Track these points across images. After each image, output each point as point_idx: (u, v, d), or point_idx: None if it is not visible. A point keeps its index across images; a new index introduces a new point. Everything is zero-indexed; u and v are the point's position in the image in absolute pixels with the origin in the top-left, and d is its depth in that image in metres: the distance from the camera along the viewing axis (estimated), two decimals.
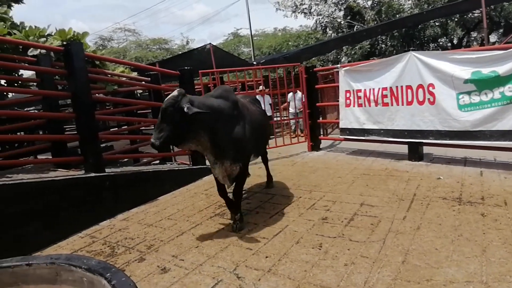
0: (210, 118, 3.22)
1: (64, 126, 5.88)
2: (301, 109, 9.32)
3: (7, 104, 5.92)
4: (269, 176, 5.15)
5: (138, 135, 7.18)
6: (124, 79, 6.28)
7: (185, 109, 3.03)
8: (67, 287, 1.56)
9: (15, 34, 5.08)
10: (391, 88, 5.73)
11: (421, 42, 21.23)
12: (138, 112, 7.82)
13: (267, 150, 5.23)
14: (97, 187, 4.45)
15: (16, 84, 5.49)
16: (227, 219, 4.00)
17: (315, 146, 7.45)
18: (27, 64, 4.97)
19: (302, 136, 8.67)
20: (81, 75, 4.53)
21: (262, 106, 9.46)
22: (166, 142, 3.19)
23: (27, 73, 6.27)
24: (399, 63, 5.60)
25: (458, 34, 22.21)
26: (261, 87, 8.98)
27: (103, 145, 6.58)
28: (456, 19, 20.50)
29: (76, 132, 4.99)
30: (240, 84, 11.79)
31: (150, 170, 5.40)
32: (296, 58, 11.54)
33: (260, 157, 4.88)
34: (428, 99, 5.25)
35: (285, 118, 9.54)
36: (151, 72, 6.74)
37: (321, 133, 8.14)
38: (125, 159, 6.64)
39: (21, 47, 4.94)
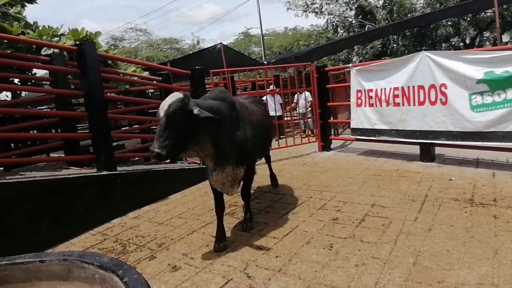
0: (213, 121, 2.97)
1: (77, 125, 5.95)
2: (308, 109, 9.29)
3: (21, 103, 6.00)
4: (273, 175, 5.11)
5: (149, 134, 7.22)
6: (135, 78, 6.32)
7: (196, 112, 2.81)
8: (79, 284, 1.57)
9: (28, 33, 5.16)
10: (402, 88, 5.69)
11: (433, 42, 20.99)
12: (149, 111, 7.87)
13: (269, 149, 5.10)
14: (108, 185, 4.50)
15: (29, 83, 5.57)
16: (237, 218, 4.02)
17: (325, 146, 7.42)
18: (40, 63, 5.04)
19: (312, 136, 8.64)
20: (93, 74, 4.57)
21: (272, 105, 9.56)
22: (173, 152, 2.84)
23: (40, 72, 6.36)
24: (411, 63, 5.55)
25: (471, 33, 21.92)
26: (271, 87, 8.97)
27: (115, 143, 6.64)
28: (468, 19, 20.22)
29: (88, 130, 5.04)
30: (250, 83, 11.76)
31: (161, 169, 5.43)
32: (307, 58, 11.47)
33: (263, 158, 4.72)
34: (440, 99, 5.20)
35: (295, 118, 9.50)
36: (162, 72, 6.77)
37: (332, 133, 8.11)
38: (136, 158, 6.70)
39: (34, 46, 5.01)
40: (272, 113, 9.70)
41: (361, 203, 4.11)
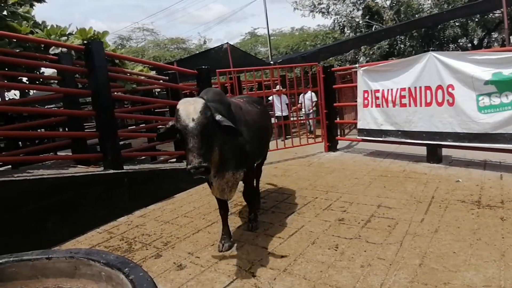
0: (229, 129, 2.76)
1: (84, 124, 5.99)
2: (311, 110, 9.27)
3: (29, 101, 6.06)
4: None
5: (156, 133, 7.25)
6: (142, 77, 6.35)
7: (220, 121, 2.65)
8: (86, 281, 1.58)
9: (37, 32, 5.21)
10: (409, 88, 5.66)
11: (441, 43, 20.84)
12: (156, 110, 7.91)
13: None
14: (115, 184, 4.52)
15: (37, 82, 5.62)
16: (243, 217, 4.02)
17: (332, 146, 7.40)
18: (48, 62, 5.08)
19: (311, 137, 8.61)
20: (101, 74, 4.60)
21: (279, 105, 9.56)
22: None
23: (48, 71, 6.41)
24: (418, 63, 5.52)
25: (479, 34, 21.75)
26: (278, 87, 8.97)
27: (122, 142, 6.68)
28: (476, 20, 20.06)
29: (95, 129, 5.07)
30: (257, 83, 11.77)
31: (167, 168, 5.46)
32: (314, 58, 11.43)
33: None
34: (447, 100, 5.16)
35: (301, 118, 9.49)
36: (169, 71, 6.80)
37: (338, 133, 8.09)
38: (143, 157, 6.73)
39: (43, 45, 5.06)
40: (278, 113, 9.73)
41: (367, 204, 4.10)
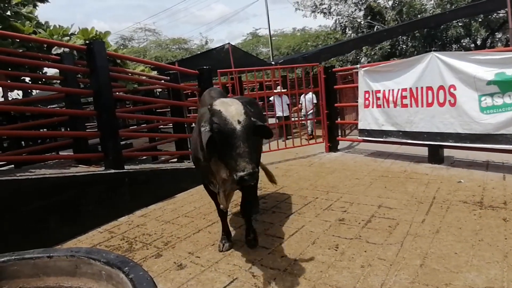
0: None
1: (86, 123, 6.00)
2: (310, 111, 9.26)
3: (31, 101, 6.07)
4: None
5: (157, 133, 7.27)
6: (144, 78, 6.36)
7: (255, 122, 2.52)
8: (86, 280, 1.59)
9: (40, 33, 5.23)
10: (410, 89, 5.64)
11: (443, 43, 20.82)
12: (157, 110, 7.91)
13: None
14: (116, 183, 4.53)
15: (40, 82, 5.63)
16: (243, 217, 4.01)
17: (332, 147, 7.39)
18: (51, 62, 5.09)
19: (311, 138, 8.60)
20: (103, 74, 4.61)
21: (279, 106, 9.56)
22: None
23: (50, 71, 6.43)
24: (420, 63, 5.50)
25: (482, 34, 21.74)
26: (279, 88, 8.97)
27: (123, 142, 6.69)
28: (480, 20, 20.04)
29: (97, 129, 5.08)
30: (258, 84, 11.78)
31: (168, 168, 5.46)
32: (315, 58, 11.44)
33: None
34: (449, 100, 5.15)
35: (302, 118, 9.49)
36: (170, 71, 6.81)
37: (339, 134, 8.08)
38: (144, 157, 6.74)
39: (45, 45, 5.07)
40: (279, 113, 9.73)
41: (367, 204, 4.09)
